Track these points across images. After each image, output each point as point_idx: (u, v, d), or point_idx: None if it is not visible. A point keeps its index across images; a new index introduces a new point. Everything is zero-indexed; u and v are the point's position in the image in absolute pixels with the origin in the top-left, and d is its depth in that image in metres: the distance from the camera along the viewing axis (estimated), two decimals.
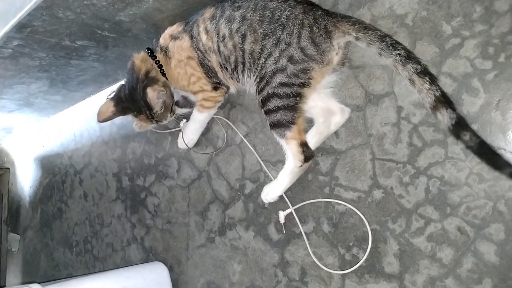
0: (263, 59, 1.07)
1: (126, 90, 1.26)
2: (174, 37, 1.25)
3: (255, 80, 1.11)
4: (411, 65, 0.93)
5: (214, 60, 1.21)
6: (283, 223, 1.23)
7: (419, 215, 1.00)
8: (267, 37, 1.06)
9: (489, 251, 0.91)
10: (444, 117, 0.90)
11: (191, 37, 1.21)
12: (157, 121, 1.31)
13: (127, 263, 1.88)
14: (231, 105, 1.43)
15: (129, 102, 1.26)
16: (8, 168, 3.11)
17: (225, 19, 1.12)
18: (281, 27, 1.05)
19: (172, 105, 1.30)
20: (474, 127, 0.93)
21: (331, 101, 1.12)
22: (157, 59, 1.27)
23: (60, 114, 2.47)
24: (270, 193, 1.21)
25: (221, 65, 1.20)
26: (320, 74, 1.05)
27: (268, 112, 1.08)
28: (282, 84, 1.04)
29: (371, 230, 1.07)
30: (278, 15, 1.05)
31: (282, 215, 1.23)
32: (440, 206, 0.97)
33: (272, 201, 1.24)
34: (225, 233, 1.43)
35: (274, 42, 1.05)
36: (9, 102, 2.07)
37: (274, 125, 1.07)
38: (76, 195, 2.32)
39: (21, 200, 2.96)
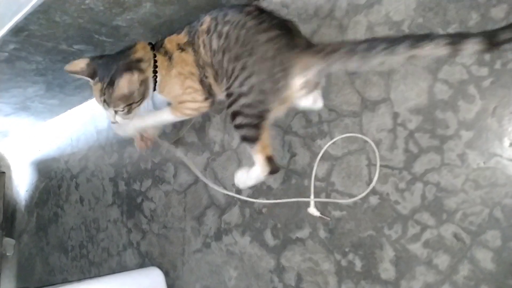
0: (233, 79, 1.07)
1: (108, 57, 1.21)
2: (181, 48, 1.20)
3: (224, 93, 1.12)
4: (400, 47, 0.85)
5: (210, 75, 1.19)
6: (320, 215, 1.17)
7: (415, 221, 1.00)
8: (237, 59, 1.05)
9: (485, 258, 0.90)
10: (472, 46, 0.81)
11: (194, 51, 1.18)
12: (105, 101, 1.20)
13: (122, 268, 1.87)
14: None
15: (101, 66, 1.19)
16: (4, 172, 3.09)
17: (216, 34, 1.10)
18: (248, 52, 1.03)
19: (134, 103, 1.21)
20: (470, 134, 0.93)
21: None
22: (156, 59, 1.22)
23: (56, 118, 2.46)
24: (242, 179, 1.24)
25: (214, 78, 1.18)
26: (279, 108, 1.06)
27: (236, 127, 1.10)
28: (246, 105, 1.05)
29: (368, 236, 1.07)
30: (249, 39, 1.03)
31: (313, 210, 1.17)
32: (436, 212, 0.97)
33: (242, 188, 1.33)
34: (221, 238, 1.43)
35: (241, 66, 1.04)
36: (5, 105, 2.06)
37: (242, 139, 1.11)
38: (72, 200, 2.31)
39: (17, 204, 2.94)
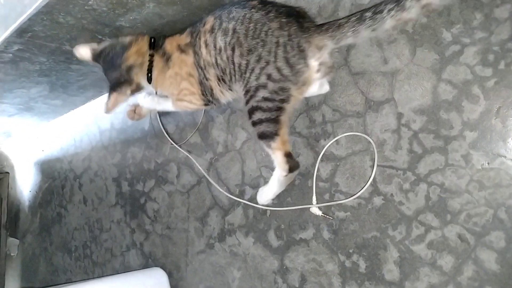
0: (248, 74, 1.07)
1: (109, 56, 1.26)
2: (181, 49, 1.22)
3: (242, 92, 1.12)
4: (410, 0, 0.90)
5: (212, 76, 1.19)
6: (322, 214, 1.17)
7: (419, 222, 1.00)
8: (250, 52, 1.05)
9: (489, 259, 0.90)
10: None
11: (195, 52, 1.18)
12: None
13: (126, 268, 1.87)
14: (231, 110, 1.43)
15: (103, 64, 1.28)
16: (8, 173, 3.10)
17: (221, 32, 1.10)
18: (262, 43, 1.04)
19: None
20: (474, 134, 0.93)
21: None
22: (153, 57, 1.24)
23: (60, 118, 2.47)
24: (263, 195, 1.25)
25: (219, 79, 1.18)
26: (298, 93, 1.06)
27: (254, 124, 1.09)
28: (265, 99, 1.05)
29: (372, 237, 1.07)
30: (259, 30, 1.04)
31: (316, 209, 1.18)
32: (441, 213, 0.97)
33: (266, 203, 1.28)
34: (225, 239, 1.43)
35: (256, 58, 1.05)
36: (9, 106, 2.07)
37: (260, 136, 1.08)
38: (75, 200, 2.32)
39: (20, 204, 2.95)
